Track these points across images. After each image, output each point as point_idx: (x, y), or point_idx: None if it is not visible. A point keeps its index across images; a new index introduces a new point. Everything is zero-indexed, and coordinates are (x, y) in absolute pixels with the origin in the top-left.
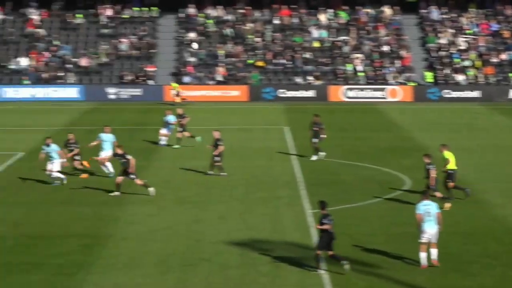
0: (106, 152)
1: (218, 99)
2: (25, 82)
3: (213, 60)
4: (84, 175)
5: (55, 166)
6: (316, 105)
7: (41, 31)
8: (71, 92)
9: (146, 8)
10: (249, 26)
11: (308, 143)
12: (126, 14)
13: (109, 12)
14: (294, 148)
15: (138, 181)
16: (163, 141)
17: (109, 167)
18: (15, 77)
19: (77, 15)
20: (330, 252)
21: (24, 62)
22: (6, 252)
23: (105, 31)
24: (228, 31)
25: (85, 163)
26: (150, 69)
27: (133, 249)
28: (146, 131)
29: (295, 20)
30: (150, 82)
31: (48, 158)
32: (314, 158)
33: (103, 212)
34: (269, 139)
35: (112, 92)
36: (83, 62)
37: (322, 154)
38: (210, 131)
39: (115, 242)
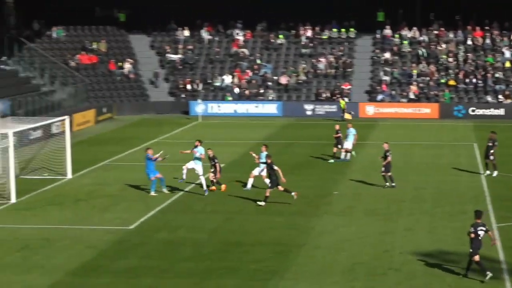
0: (258, 169)
1: (410, 116)
2: (228, 98)
3: (407, 79)
4: (213, 188)
5: (200, 170)
6: (506, 123)
7: (245, 51)
8: (270, 108)
9: (344, 29)
10: (442, 46)
11: (498, 160)
12: (325, 35)
13: (309, 33)
14: (482, 165)
15: (268, 193)
16: (343, 155)
17: (250, 184)
18: (219, 94)
19: (279, 36)
20: (477, 258)
21: (228, 79)
22: (204, 257)
23: (305, 50)
24: (422, 51)
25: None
26: (345, 87)
27: (323, 257)
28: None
29: (488, 41)
30: (345, 99)
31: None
32: (495, 174)
33: (297, 222)
34: (458, 155)
35: (309, 108)
36: (283, 80)
37: (488, 172)
38: (401, 146)
39: (307, 250)
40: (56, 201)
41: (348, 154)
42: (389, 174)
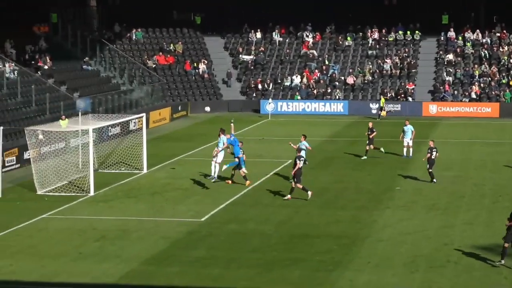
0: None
1: (471, 115)
2: (297, 97)
3: (469, 79)
4: (228, 181)
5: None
6: None
7: (314, 52)
8: (337, 107)
9: (409, 32)
10: (504, 48)
11: None
12: (391, 37)
13: (375, 35)
14: None
15: (299, 185)
16: (405, 152)
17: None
18: (289, 93)
19: (347, 38)
20: (507, 244)
21: (297, 79)
22: (271, 248)
23: (371, 52)
24: (484, 52)
25: (228, 181)
26: (410, 87)
27: (385, 250)
28: (400, 143)
29: None
30: (409, 99)
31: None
32: None
33: (360, 216)
34: None
35: (374, 107)
36: (350, 80)
37: None
38: (462, 144)
39: (370, 243)
40: (132, 194)
41: (411, 150)
42: (429, 169)
